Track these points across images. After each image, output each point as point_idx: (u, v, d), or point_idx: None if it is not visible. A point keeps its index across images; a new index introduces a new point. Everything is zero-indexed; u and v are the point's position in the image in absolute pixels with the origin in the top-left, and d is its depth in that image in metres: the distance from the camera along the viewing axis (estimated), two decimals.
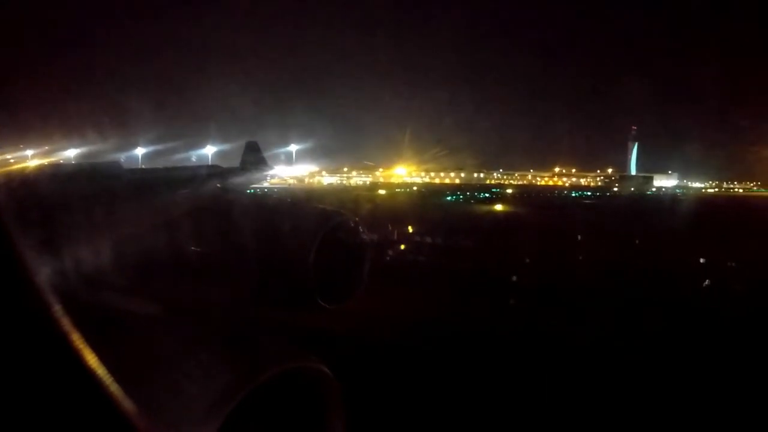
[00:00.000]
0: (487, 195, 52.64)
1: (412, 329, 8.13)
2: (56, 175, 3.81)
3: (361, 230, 3.39)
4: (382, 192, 48.56)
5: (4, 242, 0.98)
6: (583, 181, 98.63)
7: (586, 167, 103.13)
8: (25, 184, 2.79)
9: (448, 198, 44.97)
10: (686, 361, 7.32)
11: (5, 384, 0.94)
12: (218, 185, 4.47)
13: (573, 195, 67.25)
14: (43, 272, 1.10)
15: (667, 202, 60.17)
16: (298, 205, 4.22)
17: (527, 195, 62.06)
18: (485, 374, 6.53)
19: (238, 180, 5.44)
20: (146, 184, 4.04)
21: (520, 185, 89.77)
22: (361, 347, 6.53)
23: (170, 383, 1.47)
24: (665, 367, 7.12)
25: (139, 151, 47.32)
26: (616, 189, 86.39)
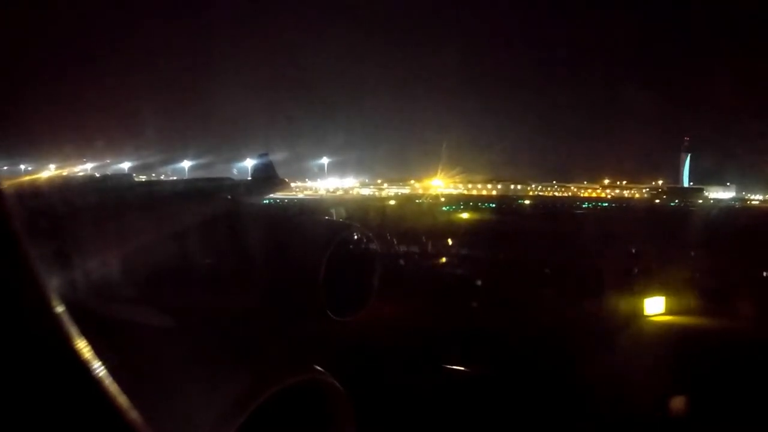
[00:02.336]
0: (493, 205, 54.52)
1: (423, 340, 8.08)
2: (67, 186, 3.85)
3: (372, 242, 3.37)
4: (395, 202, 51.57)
5: (14, 252, 0.98)
6: (626, 194, 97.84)
7: (637, 179, 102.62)
8: (37, 195, 2.79)
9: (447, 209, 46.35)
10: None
11: (12, 393, 0.95)
12: (228, 197, 4.51)
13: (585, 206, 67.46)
14: (53, 282, 1.10)
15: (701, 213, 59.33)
16: (308, 217, 4.07)
17: (553, 207, 62.89)
18: (498, 386, 6.52)
19: (248, 192, 5.46)
20: (156, 196, 4.04)
21: (553, 197, 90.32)
22: (371, 359, 6.49)
23: (179, 395, 1.48)
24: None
25: (186, 164, 52.34)
26: (657, 201, 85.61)
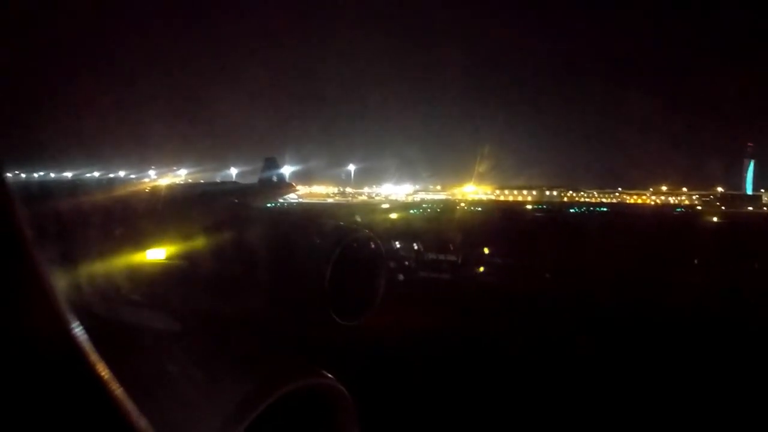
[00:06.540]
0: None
1: (428, 345, 8.04)
2: (74, 189, 3.93)
3: (378, 246, 3.40)
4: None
5: (21, 255, 0.98)
6: (672, 200, 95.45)
7: (703, 186, 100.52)
8: (44, 198, 2.82)
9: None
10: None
11: (19, 399, 0.94)
12: (235, 200, 4.51)
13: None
14: (60, 286, 1.09)
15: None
16: (314, 221, 4.04)
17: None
18: (502, 391, 6.45)
19: (255, 195, 5.43)
20: (161, 200, 4.05)
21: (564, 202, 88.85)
22: (376, 363, 6.47)
23: (184, 399, 1.50)
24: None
25: (233, 171, 55.91)
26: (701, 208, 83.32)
